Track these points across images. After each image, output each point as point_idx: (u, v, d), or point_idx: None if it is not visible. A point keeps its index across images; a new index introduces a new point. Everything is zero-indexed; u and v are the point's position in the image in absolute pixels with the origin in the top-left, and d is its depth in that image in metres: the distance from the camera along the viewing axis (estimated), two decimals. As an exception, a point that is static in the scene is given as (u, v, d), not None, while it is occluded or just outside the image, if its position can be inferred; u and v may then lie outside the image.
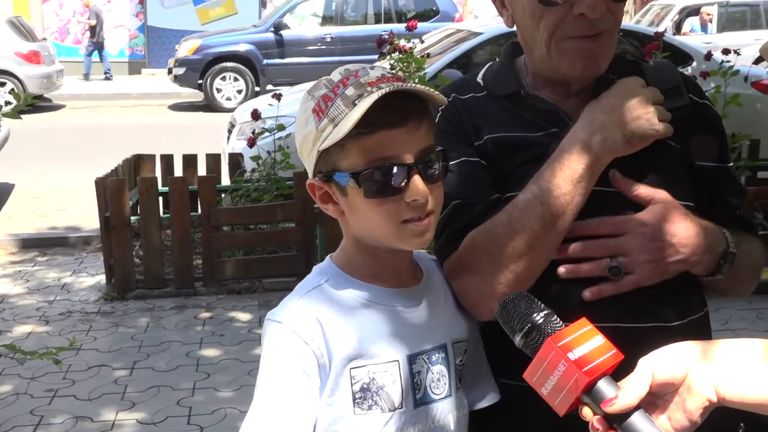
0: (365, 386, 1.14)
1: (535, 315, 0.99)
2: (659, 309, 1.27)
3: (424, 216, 1.14)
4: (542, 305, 1.00)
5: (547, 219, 1.20)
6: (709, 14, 14.24)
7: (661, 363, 0.95)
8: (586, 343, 0.96)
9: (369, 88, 1.10)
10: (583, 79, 1.30)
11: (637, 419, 0.92)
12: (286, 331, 1.13)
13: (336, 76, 1.15)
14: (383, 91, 1.08)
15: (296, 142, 1.19)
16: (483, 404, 1.29)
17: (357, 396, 1.14)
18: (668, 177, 1.27)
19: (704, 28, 14.13)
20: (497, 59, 1.44)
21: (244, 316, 4.58)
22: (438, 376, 1.19)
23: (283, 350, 1.13)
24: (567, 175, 1.20)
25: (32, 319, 4.59)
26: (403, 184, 1.11)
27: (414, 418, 1.16)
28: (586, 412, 0.95)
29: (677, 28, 14.51)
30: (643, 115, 1.21)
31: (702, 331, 1.32)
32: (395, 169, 1.11)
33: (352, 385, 1.14)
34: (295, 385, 1.12)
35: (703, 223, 1.25)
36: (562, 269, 1.24)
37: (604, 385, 0.94)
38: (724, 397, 0.93)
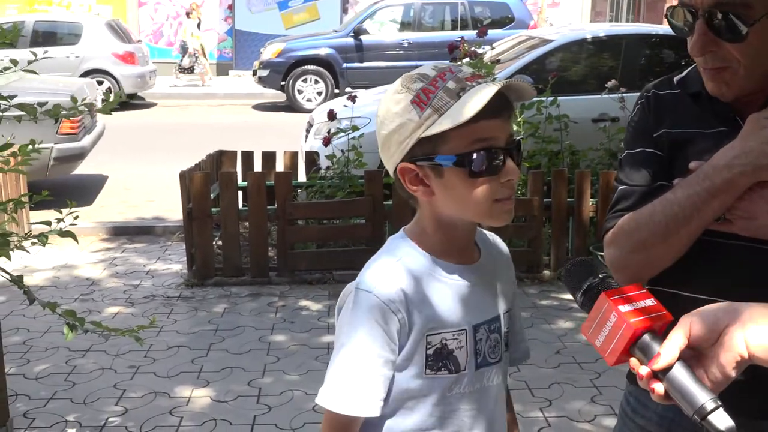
0: (438, 351, 1.27)
1: (593, 277, 1.08)
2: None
3: (511, 195, 1.25)
4: (601, 271, 1.08)
5: (681, 219, 1.33)
6: None
7: (699, 320, 1.00)
8: (638, 301, 1.03)
9: (468, 83, 1.20)
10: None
11: (677, 370, 0.98)
12: (377, 301, 1.24)
13: (429, 71, 1.24)
14: (495, 87, 1.18)
15: (382, 132, 1.27)
16: (520, 362, 1.47)
17: (430, 359, 1.27)
18: None
19: None
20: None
21: (314, 306, 4.68)
22: (494, 343, 1.34)
23: (373, 317, 1.24)
24: (706, 186, 1.31)
25: (119, 301, 4.78)
26: (500, 165, 1.22)
27: (474, 378, 1.31)
28: (634, 363, 1.01)
29: None
30: None
31: None
32: (496, 152, 1.21)
33: (426, 349, 1.26)
34: (381, 348, 1.24)
35: None
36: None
37: (649, 339, 1.00)
38: (754, 354, 0.97)
